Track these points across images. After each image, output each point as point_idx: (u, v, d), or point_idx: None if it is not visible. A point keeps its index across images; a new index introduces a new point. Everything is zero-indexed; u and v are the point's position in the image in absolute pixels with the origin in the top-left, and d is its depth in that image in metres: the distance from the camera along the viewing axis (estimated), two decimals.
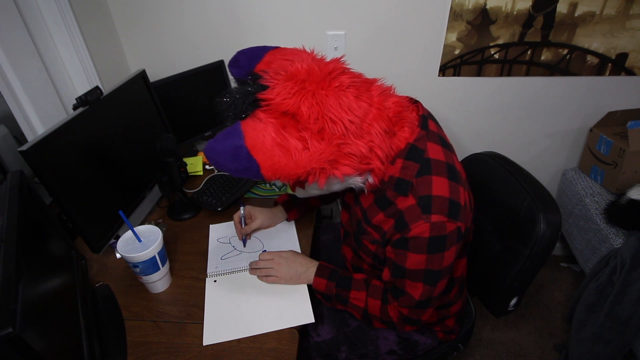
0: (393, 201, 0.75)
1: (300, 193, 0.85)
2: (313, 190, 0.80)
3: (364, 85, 0.71)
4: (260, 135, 0.64)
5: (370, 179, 0.75)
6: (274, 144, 0.64)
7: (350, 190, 0.87)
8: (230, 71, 0.81)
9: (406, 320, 0.85)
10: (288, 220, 1.15)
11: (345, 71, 0.71)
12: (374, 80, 0.75)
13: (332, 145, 0.66)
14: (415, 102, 0.83)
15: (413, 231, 0.72)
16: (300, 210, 1.15)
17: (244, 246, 1.08)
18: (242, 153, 0.64)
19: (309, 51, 0.76)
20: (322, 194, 0.84)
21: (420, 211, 0.71)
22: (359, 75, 0.73)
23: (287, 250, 0.99)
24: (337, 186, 0.78)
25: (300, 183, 0.75)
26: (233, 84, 1.66)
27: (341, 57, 0.74)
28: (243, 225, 1.07)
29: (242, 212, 1.08)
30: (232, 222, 1.17)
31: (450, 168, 0.75)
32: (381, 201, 0.78)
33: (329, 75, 0.67)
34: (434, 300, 0.81)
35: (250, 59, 0.78)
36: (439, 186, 0.72)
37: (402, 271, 0.78)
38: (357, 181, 0.75)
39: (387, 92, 0.74)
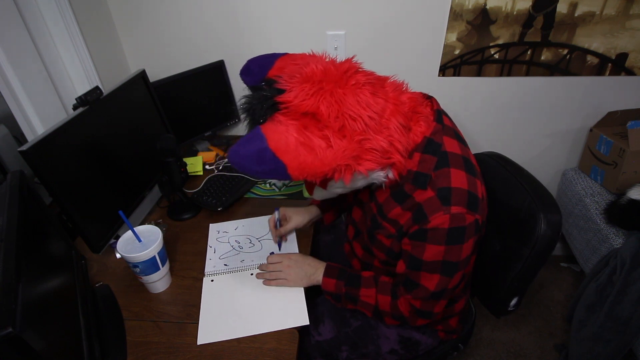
0: (411, 194, 0.76)
1: (318, 194, 0.85)
2: (337, 189, 0.81)
3: (379, 83, 0.73)
4: (283, 137, 0.65)
5: (391, 174, 0.76)
6: (298, 144, 0.65)
7: (365, 187, 0.87)
8: (243, 79, 0.82)
9: (418, 313, 0.85)
10: (325, 222, 1.14)
11: (359, 70, 0.73)
12: (387, 78, 0.77)
13: (353, 141, 0.67)
14: (429, 97, 0.84)
15: (432, 222, 0.72)
16: (335, 212, 1.14)
17: (280, 250, 1.07)
18: (268, 155, 0.65)
19: (319, 55, 0.77)
20: (344, 192, 0.85)
21: (440, 203, 0.72)
22: (371, 74, 0.74)
23: (292, 252, 0.99)
24: (361, 182, 0.78)
25: (324, 182, 0.76)
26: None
27: (353, 57, 0.75)
28: (278, 227, 1.06)
29: (277, 215, 1.06)
30: (232, 221, 1.17)
31: (467, 161, 0.76)
32: (398, 195, 0.79)
33: (345, 74, 0.69)
34: (448, 292, 0.81)
35: (261, 66, 0.80)
36: (458, 178, 0.73)
37: (418, 263, 0.78)
38: (380, 176, 0.76)
39: (400, 88, 0.76)
